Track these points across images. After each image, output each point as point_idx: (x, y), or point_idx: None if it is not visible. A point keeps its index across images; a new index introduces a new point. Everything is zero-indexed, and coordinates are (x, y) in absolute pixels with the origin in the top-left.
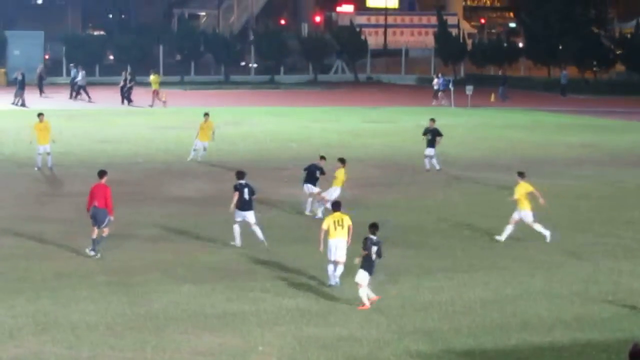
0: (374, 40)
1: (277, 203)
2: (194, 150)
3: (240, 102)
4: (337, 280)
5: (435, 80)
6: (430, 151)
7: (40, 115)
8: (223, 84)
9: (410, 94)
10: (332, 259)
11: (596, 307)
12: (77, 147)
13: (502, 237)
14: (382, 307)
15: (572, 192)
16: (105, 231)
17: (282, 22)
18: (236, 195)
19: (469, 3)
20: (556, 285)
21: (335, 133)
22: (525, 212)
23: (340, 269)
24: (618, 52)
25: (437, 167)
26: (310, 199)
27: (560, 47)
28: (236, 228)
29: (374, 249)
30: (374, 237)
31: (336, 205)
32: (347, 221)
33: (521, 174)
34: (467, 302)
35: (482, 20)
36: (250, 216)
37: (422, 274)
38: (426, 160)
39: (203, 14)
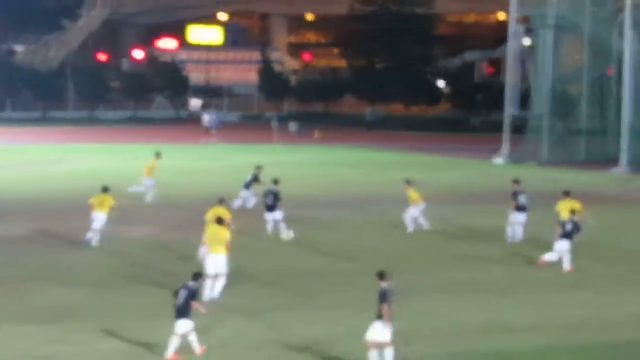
0: (196, 76)
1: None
2: (150, 188)
3: (59, 139)
4: (216, 294)
5: (205, 117)
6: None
7: None
8: (41, 120)
9: (234, 131)
10: (210, 272)
11: (420, 346)
12: None
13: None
14: (214, 346)
15: (398, 229)
16: None
17: (103, 57)
18: None
19: (292, 40)
20: None
21: (163, 170)
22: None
23: (221, 281)
24: (443, 89)
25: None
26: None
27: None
28: None
29: (183, 294)
30: (189, 283)
31: (219, 221)
32: (224, 236)
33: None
34: (295, 340)
35: (307, 57)
36: None
37: (253, 313)
38: (269, 226)
39: (21, 49)
